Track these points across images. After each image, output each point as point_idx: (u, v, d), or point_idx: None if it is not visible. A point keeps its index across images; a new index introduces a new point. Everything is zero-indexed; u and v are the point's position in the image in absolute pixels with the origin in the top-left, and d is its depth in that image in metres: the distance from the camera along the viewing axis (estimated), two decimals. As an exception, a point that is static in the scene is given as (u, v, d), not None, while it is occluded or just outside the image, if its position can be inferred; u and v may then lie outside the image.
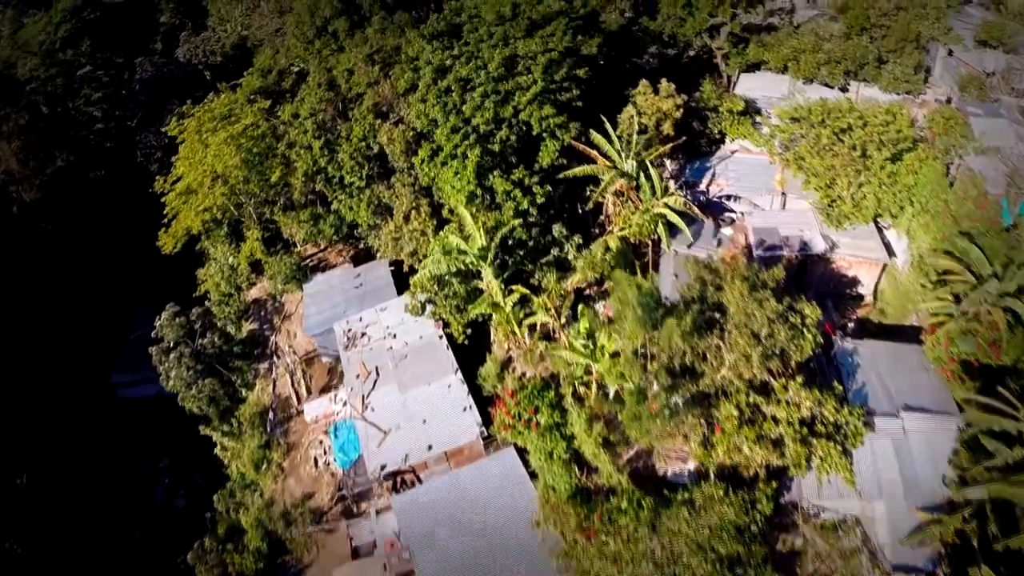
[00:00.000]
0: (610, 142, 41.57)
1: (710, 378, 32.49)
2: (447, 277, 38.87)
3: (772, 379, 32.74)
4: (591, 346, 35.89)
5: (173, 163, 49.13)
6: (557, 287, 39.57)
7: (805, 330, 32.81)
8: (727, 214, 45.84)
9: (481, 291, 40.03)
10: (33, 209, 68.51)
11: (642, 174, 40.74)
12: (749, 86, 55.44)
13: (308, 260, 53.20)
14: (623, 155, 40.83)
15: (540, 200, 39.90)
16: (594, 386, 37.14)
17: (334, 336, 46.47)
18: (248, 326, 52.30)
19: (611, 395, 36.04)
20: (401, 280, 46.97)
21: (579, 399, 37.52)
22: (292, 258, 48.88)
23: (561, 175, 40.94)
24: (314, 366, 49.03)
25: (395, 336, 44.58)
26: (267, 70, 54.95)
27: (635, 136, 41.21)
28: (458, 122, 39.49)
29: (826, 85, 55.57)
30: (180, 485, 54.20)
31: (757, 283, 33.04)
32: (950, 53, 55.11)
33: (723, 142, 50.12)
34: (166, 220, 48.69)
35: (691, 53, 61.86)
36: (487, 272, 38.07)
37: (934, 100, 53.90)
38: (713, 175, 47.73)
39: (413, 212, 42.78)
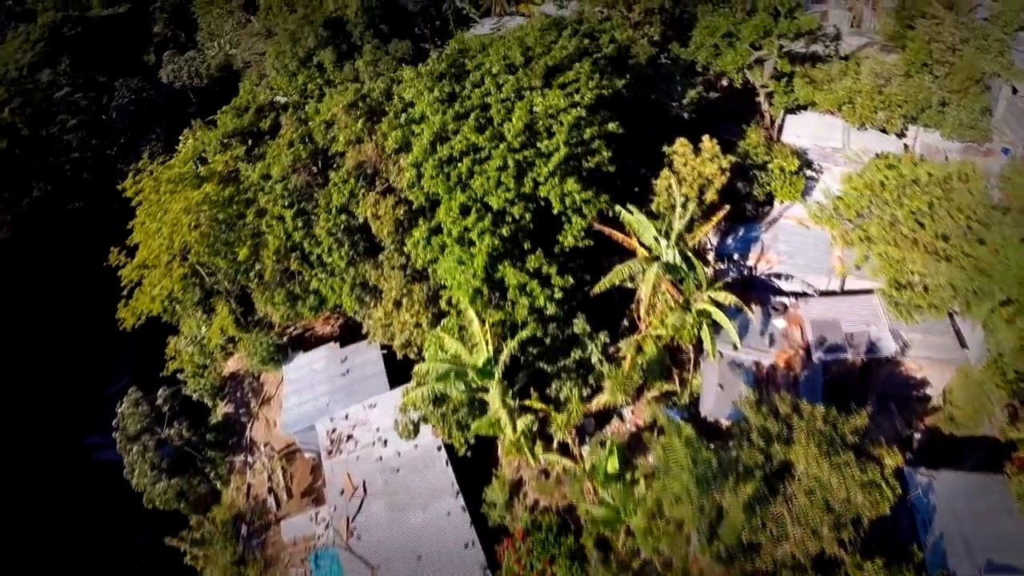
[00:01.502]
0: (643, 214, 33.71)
1: (769, 554, 24.97)
2: (441, 376, 31.22)
3: (844, 553, 25.27)
4: (621, 490, 28.33)
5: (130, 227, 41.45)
6: (579, 407, 31.90)
7: (884, 484, 25.42)
8: (778, 299, 37.87)
9: (486, 401, 32.46)
10: (4, 249, 61.44)
11: (683, 262, 32.82)
12: (797, 131, 47.06)
13: (291, 329, 45.69)
14: (662, 240, 32.88)
15: (560, 295, 32.11)
16: (623, 536, 29.64)
17: (316, 434, 39.15)
18: (223, 407, 44.94)
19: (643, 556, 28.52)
20: (394, 369, 39.38)
21: (604, 550, 30.04)
22: (270, 337, 41.32)
23: (592, 290, 32.98)
24: (295, 463, 41.66)
25: (386, 443, 37.04)
26: (243, 108, 47.09)
27: (677, 215, 33.17)
28: (466, 200, 31.68)
29: (882, 131, 47.34)
30: (159, 568, 47.32)
31: (835, 439, 25.28)
32: (1014, 91, 46.70)
33: (771, 204, 42.02)
34: (124, 292, 41.28)
35: (724, 82, 53.64)
36: (494, 392, 30.37)
37: (1000, 150, 45.65)
38: (761, 248, 39.68)
39: (405, 299, 35.10)
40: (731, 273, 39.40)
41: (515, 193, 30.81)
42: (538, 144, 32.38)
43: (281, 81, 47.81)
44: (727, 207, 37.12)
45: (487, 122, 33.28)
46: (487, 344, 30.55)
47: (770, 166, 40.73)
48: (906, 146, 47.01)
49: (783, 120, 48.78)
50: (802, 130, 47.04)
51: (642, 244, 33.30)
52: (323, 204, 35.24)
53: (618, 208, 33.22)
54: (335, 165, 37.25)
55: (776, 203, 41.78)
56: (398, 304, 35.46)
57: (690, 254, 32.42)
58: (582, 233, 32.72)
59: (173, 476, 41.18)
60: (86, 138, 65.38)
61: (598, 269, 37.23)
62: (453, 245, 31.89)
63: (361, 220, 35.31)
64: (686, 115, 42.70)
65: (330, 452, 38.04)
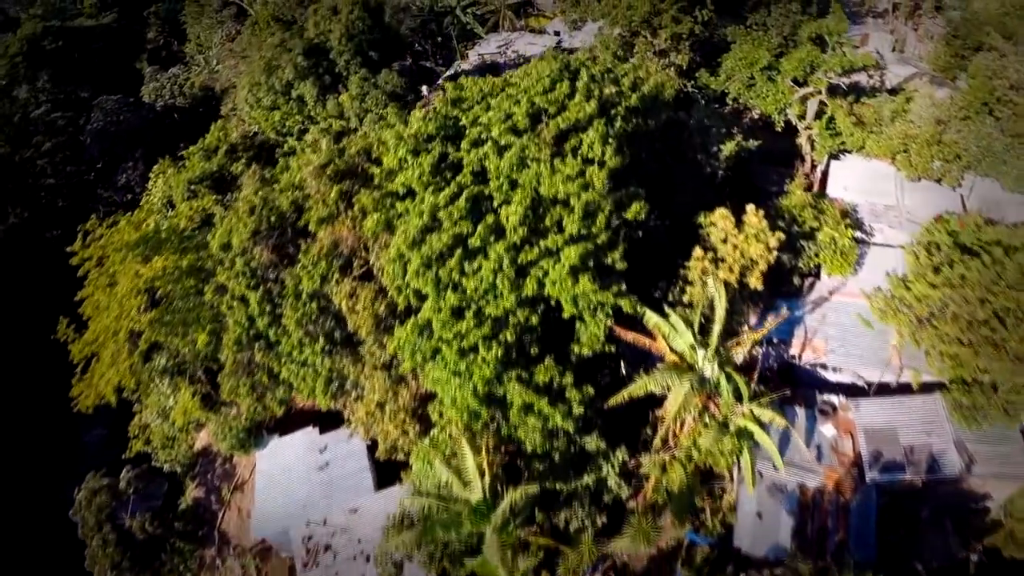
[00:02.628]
0: (667, 317, 27.74)
1: None
2: (431, 522, 25.67)
3: None
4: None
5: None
6: (592, 548, 26.21)
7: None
8: (826, 398, 31.96)
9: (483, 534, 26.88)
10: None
11: (723, 376, 26.89)
12: (844, 181, 40.71)
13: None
14: (697, 347, 26.95)
15: (578, 411, 26.29)
16: None
17: (291, 537, 33.79)
18: (194, 489, 39.55)
19: None
20: (381, 468, 33.79)
21: None
22: (239, 421, 35.74)
23: (609, 403, 27.06)
24: (270, 561, 36.31)
25: (368, 558, 31.66)
26: (212, 149, 41.14)
27: (717, 317, 27.11)
28: (459, 302, 25.86)
29: (936, 181, 40.99)
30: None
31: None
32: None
33: (817, 276, 35.89)
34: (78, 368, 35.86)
35: (755, 113, 47.27)
36: (490, 541, 24.68)
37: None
38: (805, 332, 33.68)
39: (389, 403, 29.44)
40: (770, 360, 33.46)
41: (515, 301, 24.89)
42: (543, 242, 26.25)
43: (257, 116, 41.81)
44: (784, 313, 31.00)
45: (484, 201, 27.23)
46: (483, 478, 24.91)
47: (819, 236, 34.48)
48: (962, 198, 40.74)
49: (827, 166, 42.39)
50: (849, 180, 40.61)
51: (673, 349, 27.41)
52: (291, 288, 29.40)
53: (643, 309, 27.26)
54: (305, 240, 31.21)
55: (823, 274, 35.65)
56: (381, 406, 29.81)
57: (731, 371, 26.46)
58: (600, 338, 26.80)
59: (138, 573, 36.20)
60: (61, 163, 59.77)
61: (615, 363, 31.49)
62: (446, 350, 26.12)
63: (337, 307, 29.52)
64: (722, 171, 36.54)
65: (306, 564, 32.66)
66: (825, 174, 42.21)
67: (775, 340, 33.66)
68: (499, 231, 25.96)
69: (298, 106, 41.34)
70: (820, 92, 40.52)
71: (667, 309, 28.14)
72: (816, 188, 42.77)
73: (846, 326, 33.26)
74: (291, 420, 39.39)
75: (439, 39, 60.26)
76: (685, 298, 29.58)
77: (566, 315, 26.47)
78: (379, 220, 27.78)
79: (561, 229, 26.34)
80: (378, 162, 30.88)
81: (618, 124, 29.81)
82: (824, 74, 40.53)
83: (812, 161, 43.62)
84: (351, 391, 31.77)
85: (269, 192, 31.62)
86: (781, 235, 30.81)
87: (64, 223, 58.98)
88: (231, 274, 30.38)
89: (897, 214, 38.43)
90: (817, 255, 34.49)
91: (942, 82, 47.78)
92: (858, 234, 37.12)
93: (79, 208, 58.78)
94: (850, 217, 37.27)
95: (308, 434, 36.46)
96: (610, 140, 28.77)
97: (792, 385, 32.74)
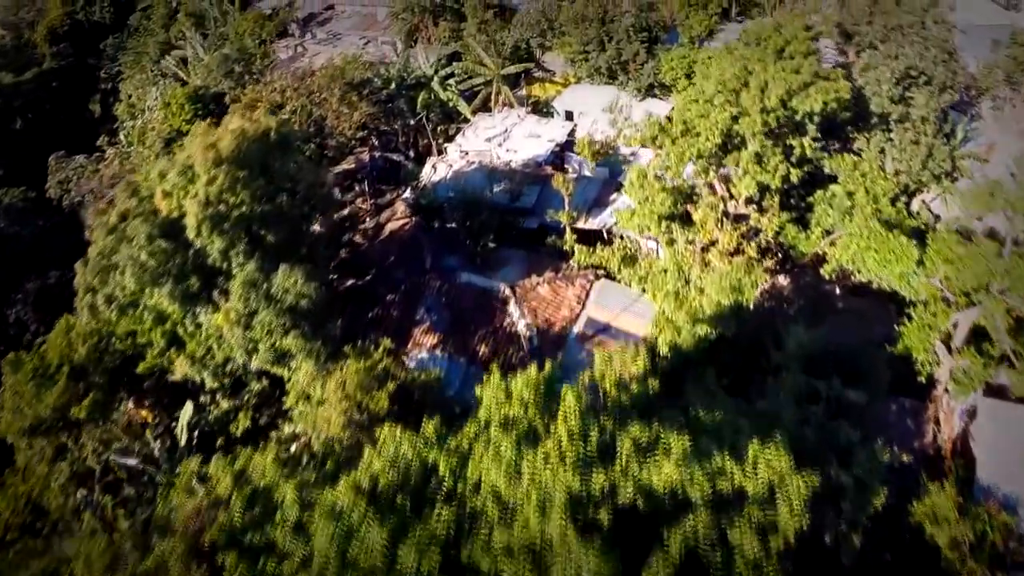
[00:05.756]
0: None
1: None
2: None
3: None
4: None
5: None
6: None
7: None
8: None
9: None
10: None
11: None
12: (1005, 455, 24.48)
13: None
14: None
15: None
16: None
17: None
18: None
19: None
20: None
21: None
22: None
23: None
24: None
25: None
26: (49, 370, 26.52)
27: None
28: None
29: None
30: None
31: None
32: None
33: None
34: None
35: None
36: None
37: None
38: None
39: None
40: None
41: None
42: None
43: (102, 323, 27.09)
44: None
45: None
46: None
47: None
48: None
49: (966, 421, 25.84)
50: (1012, 454, 24.22)
51: None
52: None
53: None
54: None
55: None
56: None
57: None
58: None
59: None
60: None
61: None
62: None
63: None
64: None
65: None
66: (964, 436, 25.67)
67: None
68: None
69: (157, 323, 26.38)
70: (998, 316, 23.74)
71: None
72: (949, 446, 26.54)
73: None
74: None
75: (409, 121, 44.10)
76: None
77: None
78: None
79: None
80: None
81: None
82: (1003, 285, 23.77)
83: (946, 401, 27.09)
84: None
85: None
86: None
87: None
88: None
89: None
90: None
91: None
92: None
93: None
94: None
95: None
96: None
97: None
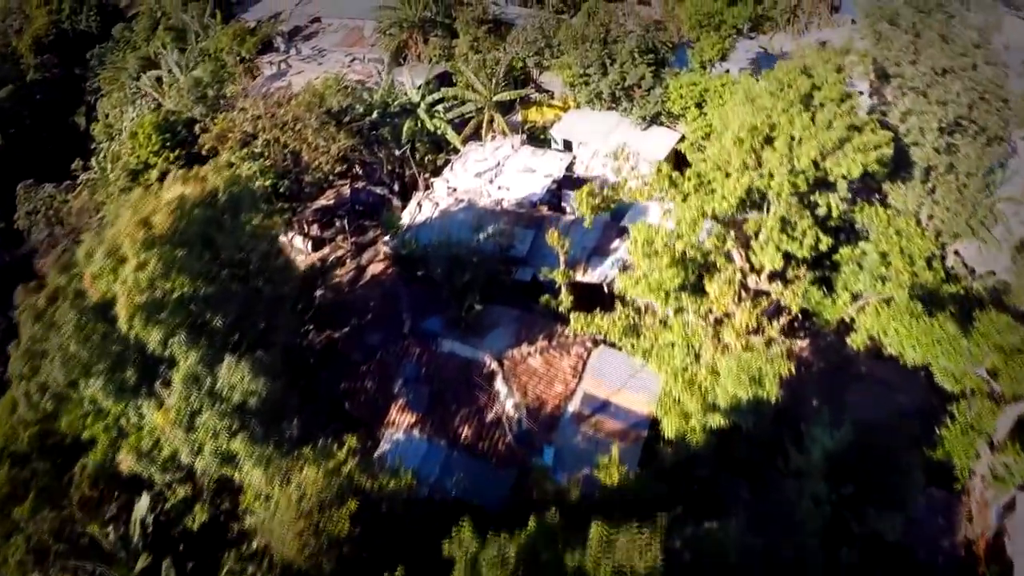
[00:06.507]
0: None
1: None
2: None
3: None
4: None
5: None
6: None
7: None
8: None
9: None
10: None
11: None
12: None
13: None
14: None
15: None
16: None
17: None
18: None
19: None
20: None
21: None
22: None
23: None
24: None
25: None
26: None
27: None
28: None
29: None
30: None
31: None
32: None
33: None
34: None
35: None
36: None
37: None
38: None
39: None
40: None
41: None
42: None
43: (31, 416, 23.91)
44: None
45: None
46: None
47: None
48: None
49: (1002, 515, 22.33)
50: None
51: None
52: None
53: None
54: None
55: None
56: None
57: None
58: None
59: None
60: None
61: None
62: None
63: None
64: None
65: None
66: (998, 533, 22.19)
67: None
68: None
69: (96, 416, 23.20)
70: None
71: None
72: (982, 544, 23.03)
73: None
74: None
75: (394, 152, 40.41)
76: None
77: None
78: None
79: None
80: None
81: None
82: None
83: (980, 491, 23.50)
84: None
85: None
86: None
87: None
88: None
89: None
90: None
91: None
92: None
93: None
94: None
95: None
96: None
97: None
